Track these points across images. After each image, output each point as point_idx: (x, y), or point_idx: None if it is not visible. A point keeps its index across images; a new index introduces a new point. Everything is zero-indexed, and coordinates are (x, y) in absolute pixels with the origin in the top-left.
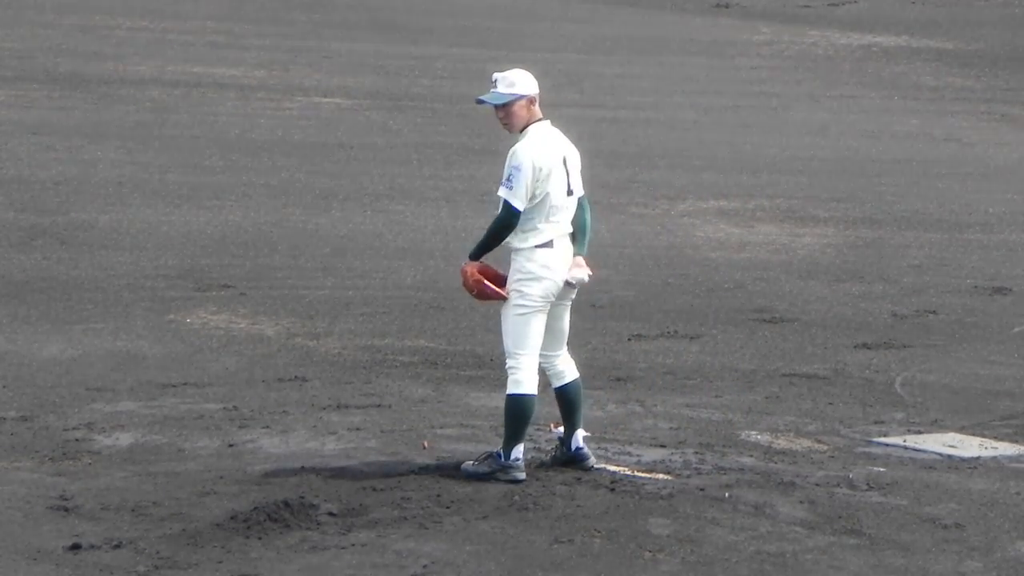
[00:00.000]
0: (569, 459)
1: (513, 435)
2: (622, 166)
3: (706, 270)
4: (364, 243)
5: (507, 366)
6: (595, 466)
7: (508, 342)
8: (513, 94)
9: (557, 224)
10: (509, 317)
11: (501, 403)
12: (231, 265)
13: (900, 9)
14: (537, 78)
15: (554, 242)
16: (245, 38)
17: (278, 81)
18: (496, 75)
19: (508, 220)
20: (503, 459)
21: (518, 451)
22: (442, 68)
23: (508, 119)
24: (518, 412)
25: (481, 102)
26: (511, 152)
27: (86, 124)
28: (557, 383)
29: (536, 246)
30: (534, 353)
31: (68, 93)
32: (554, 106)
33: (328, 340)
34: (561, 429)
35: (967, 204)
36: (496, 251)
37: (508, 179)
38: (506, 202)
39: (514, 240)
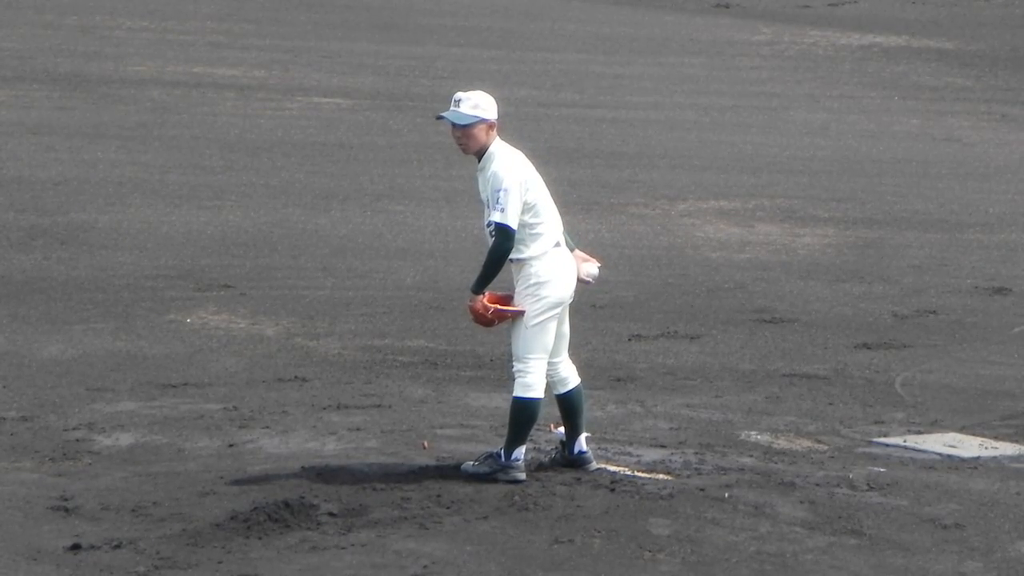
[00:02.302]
0: (570, 463)
1: (516, 437)
2: (622, 166)
3: (706, 270)
4: (364, 243)
5: (515, 369)
6: (595, 467)
7: (519, 346)
8: (476, 116)
9: (556, 225)
10: (525, 324)
11: (501, 403)
12: (231, 265)
13: (900, 9)
14: (537, 78)
15: (560, 243)
16: (245, 38)
17: (278, 81)
18: (460, 95)
19: (506, 244)
20: (503, 459)
21: (519, 452)
22: (442, 68)
23: (466, 140)
24: (525, 415)
25: (441, 118)
26: (491, 176)
27: (86, 124)
28: (561, 389)
29: (548, 250)
30: (545, 357)
31: (68, 93)
32: (554, 106)
33: (328, 340)
34: (561, 429)
35: (967, 204)
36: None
37: (498, 202)
38: (501, 226)
39: (524, 251)
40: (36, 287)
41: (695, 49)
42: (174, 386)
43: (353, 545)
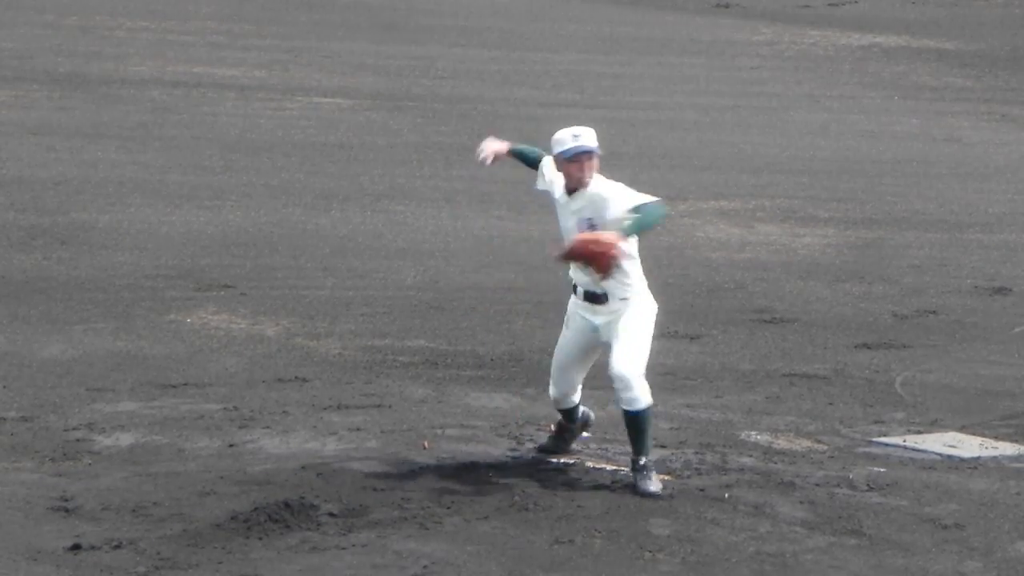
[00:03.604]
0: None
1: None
2: (622, 166)
3: (706, 270)
4: (364, 243)
5: (622, 387)
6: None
7: (635, 366)
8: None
9: None
10: (644, 337)
11: (501, 404)
12: (231, 265)
13: (900, 9)
14: (537, 78)
15: None
16: (245, 38)
17: (278, 81)
18: (579, 129)
19: (665, 209)
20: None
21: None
22: (442, 68)
23: (592, 170)
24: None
25: (588, 151)
26: (611, 200)
27: (86, 124)
28: (569, 405)
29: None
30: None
31: (68, 93)
32: (554, 106)
33: (328, 340)
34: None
35: (967, 204)
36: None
37: (633, 199)
38: (651, 203)
39: (632, 285)
40: (36, 287)
41: (695, 49)
42: (174, 386)
43: (353, 545)
